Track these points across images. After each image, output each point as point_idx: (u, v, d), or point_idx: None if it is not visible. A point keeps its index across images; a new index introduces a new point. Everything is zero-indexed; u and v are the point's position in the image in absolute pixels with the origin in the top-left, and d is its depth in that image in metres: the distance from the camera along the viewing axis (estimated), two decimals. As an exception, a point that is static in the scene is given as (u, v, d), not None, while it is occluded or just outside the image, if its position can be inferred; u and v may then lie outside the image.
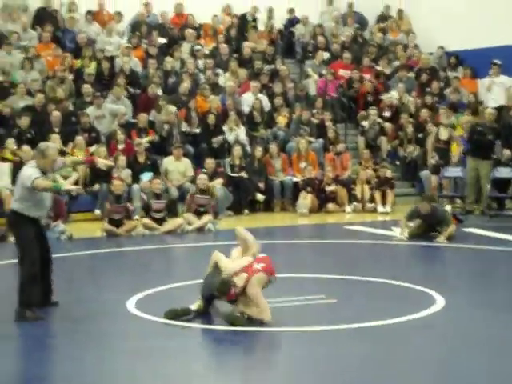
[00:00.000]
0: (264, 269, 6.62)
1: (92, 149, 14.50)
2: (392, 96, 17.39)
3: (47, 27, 17.03)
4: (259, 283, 6.55)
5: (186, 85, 16.13)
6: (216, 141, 15.35)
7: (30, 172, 6.96)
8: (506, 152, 14.34)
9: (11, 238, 11.60)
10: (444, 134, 14.61)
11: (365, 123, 16.63)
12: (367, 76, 18.08)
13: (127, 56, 16.79)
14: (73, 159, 8.27)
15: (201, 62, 17.63)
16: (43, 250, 7.25)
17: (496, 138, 14.33)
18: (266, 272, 6.62)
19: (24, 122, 14.39)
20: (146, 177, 13.89)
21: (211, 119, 15.47)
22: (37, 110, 14.93)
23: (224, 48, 18.00)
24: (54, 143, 7.36)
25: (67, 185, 6.77)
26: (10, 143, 14.12)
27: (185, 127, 15.55)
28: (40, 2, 17.76)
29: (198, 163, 14.90)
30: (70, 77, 16.07)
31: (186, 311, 6.69)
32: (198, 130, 15.58)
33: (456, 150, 14.93)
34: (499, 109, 15.74)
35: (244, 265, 6.65)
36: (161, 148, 15.06)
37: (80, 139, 14.44)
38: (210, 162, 14.41)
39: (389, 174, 15.22)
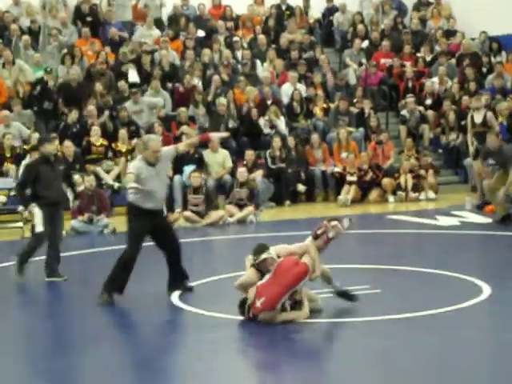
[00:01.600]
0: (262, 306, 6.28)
1: (133, 142, 14.59)
2: (433, 83, 17.13)
3: (86, 22, 17.14)
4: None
5: (219, 77, 16.02)
6: (265, 127, 15.27)
7: (131, 165, 7.30)
8: None
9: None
10: (478, 117, 14.27)
11: (404, 112, 16.43)
12: (408, 63, 17.86)
13: (165, 49, 16.81)
14: (187, 143, 8.11)
15: (239, 54, 17.58)
16: (169, 239, 7.45)
17: None
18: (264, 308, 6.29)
19: (72, 115, 14.53)
20: (189, 169, 13.91)
21: (252, 112, 15.42)
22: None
23: (262, 39, 17.94)
24: (156, 135, 7.56)
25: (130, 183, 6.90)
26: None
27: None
28: (79, -3, 17.89)
29: (238, 156, 14.87)
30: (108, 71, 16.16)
31: None
32: (236, 124, 15.52)
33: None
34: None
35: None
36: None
37: (123, 133, 14.55)
38: (249, 154, 14.37)
39: (430, 161, 15.04)
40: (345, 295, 6.72)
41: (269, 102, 15.84)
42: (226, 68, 16.71)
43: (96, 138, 14.37)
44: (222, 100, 15.47)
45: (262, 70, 17.19)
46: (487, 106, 15.16)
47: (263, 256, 6.44)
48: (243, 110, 15.72)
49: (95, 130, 14.40)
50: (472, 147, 14.35)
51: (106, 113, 15.00)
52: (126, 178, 7.19)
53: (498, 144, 11.18)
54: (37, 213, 8.40)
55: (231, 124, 15.39)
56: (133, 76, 16.20)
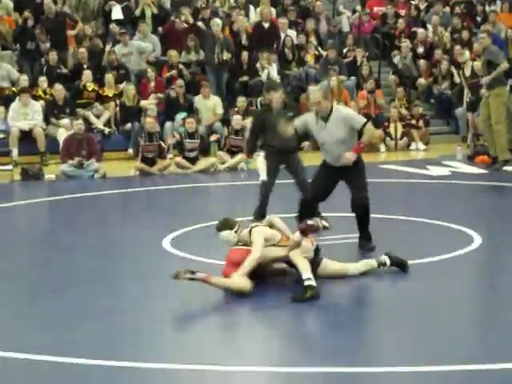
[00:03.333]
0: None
1: (122, 86, 14.44)
2: (426, 31, 16.95)
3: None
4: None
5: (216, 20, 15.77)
6: (253, 82, 15.15)
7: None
8: None
9: (47, 176, 11.77)
10: (466, 71, 14.18)
11: (397, 59, 16.26)
12: (402, 12, 17.67)
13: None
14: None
15: (232, -1, 17.33)
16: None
17: None
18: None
19: (51, 57, 14.34)
20: (181, 116, 13.83)
21: (244, 57, 15.26)
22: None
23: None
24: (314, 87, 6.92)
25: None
26: (42, 81, 14.09)
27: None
28: None
29: (230, 103, 14.76)
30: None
31: None
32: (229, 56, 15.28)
33: None
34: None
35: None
36: (194, 87, 14.94)
37: (109, 77, 14.35)
38: (241, 101, 14.25)
39: (421, 111, 14.99)
40: None
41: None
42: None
43: (88, 83, 14.20)
44: (218, 20, 15.29)
45: (255, 15, 16.95)
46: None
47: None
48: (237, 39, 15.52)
49: (86, 74, 14.22)
50: (467, 98, 14.29)
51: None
52: None
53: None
54: (260, 160, 7.97)
55: (225, 56, 15.18)
56: (117, 13, 15.90)
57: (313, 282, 5.64)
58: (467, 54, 14.99)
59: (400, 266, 6.23)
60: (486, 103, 11.42)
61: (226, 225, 6.18)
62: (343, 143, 6.85)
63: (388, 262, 6.23)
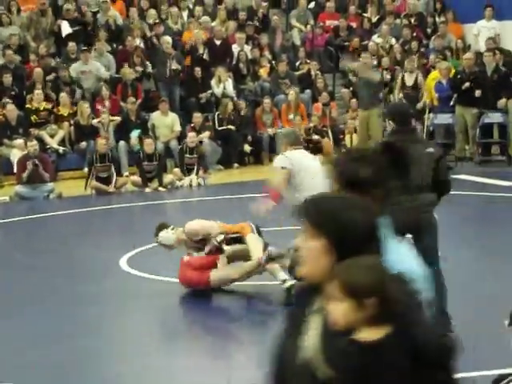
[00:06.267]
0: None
1: (77, 105, 14.32)
2: (376, 42, 17.09)
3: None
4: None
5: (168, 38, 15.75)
6: (204, 96, 15.17)
7: None
8: (501, 100, 14.12)
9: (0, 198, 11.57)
10: (409, 79, 14.33)
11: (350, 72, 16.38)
12: (354, 24, 17.85)
13: (107, 11, 16.43)
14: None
15: (184, 14, 17.31)
16: None
17: (478, 84, 14.06)
18: None
19: (5, 79, 14.18)
20: (135, 133, 13.76)
21: (197, 72, 15.25)
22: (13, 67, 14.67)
23: (208, -1, 17.70)
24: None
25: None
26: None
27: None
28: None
29: (185, 119, 14.75)
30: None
31: None
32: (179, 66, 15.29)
33: (429, 96, 14.66)
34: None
35: None
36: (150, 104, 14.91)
37: (64, 96, 14.22)
38: (197, 117, 14.24)
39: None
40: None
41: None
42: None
43: (39, 102, 14.05)
44: (167, 38, 15.32)
45: (209, 31, 16.95)
46: (425, 67, 15.35)
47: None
48: (188, 49, 15.59)
49: (38, 94, 14.08)
50: None
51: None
52: None
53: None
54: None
55: (175, 66, 15.18)
56: (66, 29, 15.78)
57: (291, 282, 5.67)
58: (416, 61, 15.12)
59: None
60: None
61: (161, 227, 6.34)
62: None
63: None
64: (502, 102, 13.99)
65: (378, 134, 13.04)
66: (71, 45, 15.42)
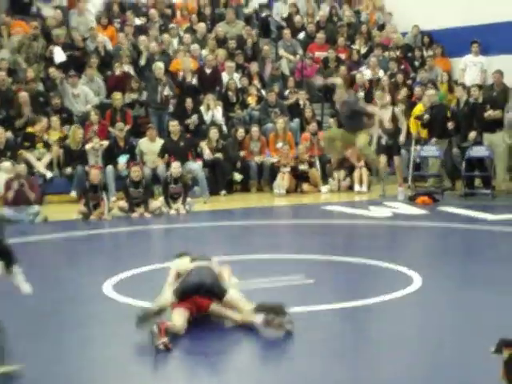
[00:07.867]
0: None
1: (66, 130, 14.37)
2: (363, 75, 17.27)
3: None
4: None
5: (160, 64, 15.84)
6: (191, 121, 15.25)
7: None
8: (472, 133, 14.28)
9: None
10: (386, 114, 14.42)
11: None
12: (343, 56, 18.04)
13: (95, 37, 16.55)
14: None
15: (175, 41, 17.45)
16: None
17: (452, 116, 14.29)
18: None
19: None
20: (123, 159, 13.79)
21: (188, 103, 15.33)
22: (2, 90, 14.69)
23: (201, 27, 17.84)
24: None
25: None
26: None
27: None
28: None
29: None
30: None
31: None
32: (171, 92, 15.42)
33: (415, 129, 14.78)
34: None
35: None
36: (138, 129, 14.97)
37: (55, 120, 14.29)
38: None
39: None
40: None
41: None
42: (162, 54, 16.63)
43: (28, 127, 14.07)
44: (160, 64, 15.38)
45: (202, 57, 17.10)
46: (410, 100, 15.53)
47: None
48: (179, 79, 15.77)
49: (26, 119, 14.11)
50: (382, 141, 14.15)
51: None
52: None
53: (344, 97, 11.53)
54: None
55: (167, 91, 15.29)
56: (59, 55, 15.86)
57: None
58: (387, 97, 15.22)
59: (276, 311, 5.77)
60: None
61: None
62: None
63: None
64: (471, 135, 14.21)
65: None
66: (52, 70, 15.40)
